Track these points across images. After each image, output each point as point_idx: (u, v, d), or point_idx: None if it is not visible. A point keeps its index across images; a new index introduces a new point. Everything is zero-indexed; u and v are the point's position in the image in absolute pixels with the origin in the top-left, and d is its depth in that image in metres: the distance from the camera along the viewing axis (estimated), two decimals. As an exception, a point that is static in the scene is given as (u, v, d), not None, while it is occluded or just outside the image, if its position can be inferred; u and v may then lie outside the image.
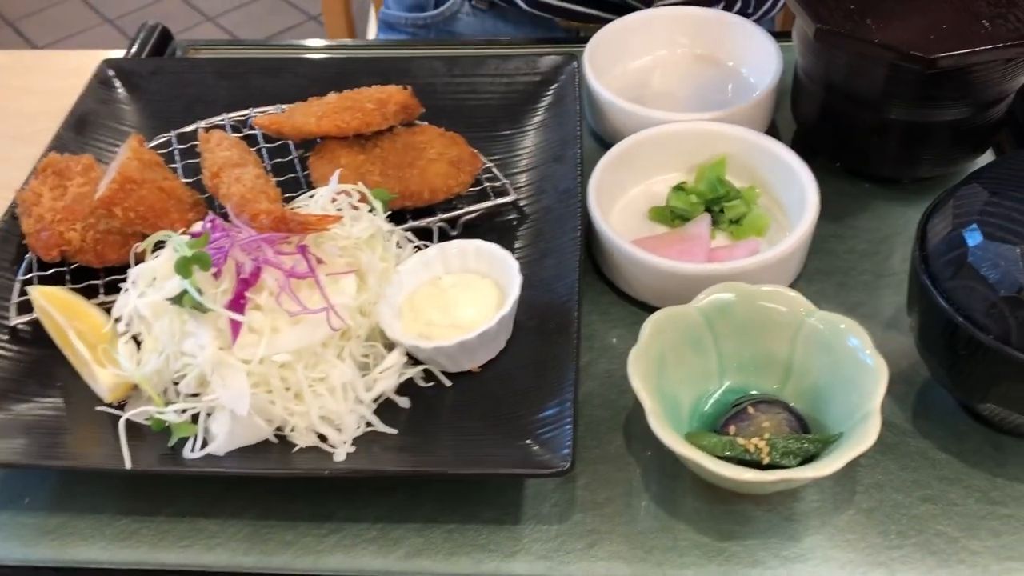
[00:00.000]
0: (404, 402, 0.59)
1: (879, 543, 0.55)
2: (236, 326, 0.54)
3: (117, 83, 0.80)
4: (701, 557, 0.55)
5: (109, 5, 2.84)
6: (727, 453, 0.54)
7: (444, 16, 1.06)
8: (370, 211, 0.63)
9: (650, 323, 0.58)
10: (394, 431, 0.57)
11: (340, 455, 0.55)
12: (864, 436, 0.52)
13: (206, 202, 0.68)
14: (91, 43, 2.69)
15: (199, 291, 0.54)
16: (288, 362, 0.55)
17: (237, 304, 0.55)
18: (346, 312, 0.56)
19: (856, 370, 0.55)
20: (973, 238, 0.52)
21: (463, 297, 0.62)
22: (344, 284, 0.58)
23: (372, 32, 1.40)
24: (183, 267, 0.54)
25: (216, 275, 0.56)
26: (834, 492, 0.58)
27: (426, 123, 0.74)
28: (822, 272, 0.70)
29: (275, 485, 0.59)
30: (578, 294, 0.63)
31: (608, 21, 0.85)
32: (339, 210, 0.61)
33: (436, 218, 0.69)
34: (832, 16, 0.68)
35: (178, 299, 0.54)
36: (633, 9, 0.88)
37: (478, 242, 0.64)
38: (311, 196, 0.63)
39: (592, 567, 0.55)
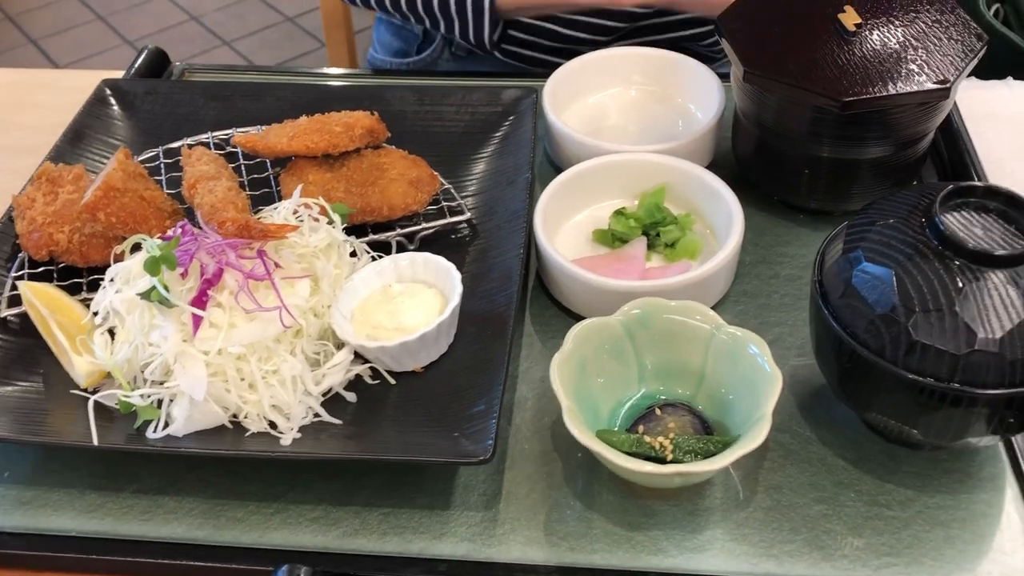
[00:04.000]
0: (351, 396, 0.65)
1: (772, 538, 0.61)
2: (197, 320, 0.60)
3: (113, 101, 0.87)
4: (610, 544, 0.61)
5: (130, 27, 2.94)
6: (634, 450, 0.60)
7: (426, 62, 1.13)
8: (329, 223, 0.69)
9: (573, 332, 0.64)
10: (339, 421, 0.63)
11: (287, 440, 0.61)
12: (755, 437, 0.57)
13: (184, 211, 0.75)
14: (110, 64, 2.78)
15: (166, 288, 0.61)
16: (243, 354, 0.61)
17: (200, 301, 0.61)
18: (298, 312, 0.63)
19: (756, 378, 0.61)
20: (857, 261, 0.58)
21: (409, 304, 0.68)
22: (299, 287, 0.64)
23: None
24: (152, 266, 0.60)
25: (183, 275, 0.62)
26: (737, 491, 0.63)
27: (392, 147, 0.81)
28: (747, 295, 0.76)
29: (229, 467, 0.65)
30: (515, 305, 0.69)
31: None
32: (300, 221, 0.67)
33: (394, 232, 0.76)
34: (760, 59, 0.74)
35: (147, 294, 0.61)
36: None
37: (426, 254, 0.70)
38: (275, 208, 0.69)
39: (509, 550, 0.61)
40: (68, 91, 1.02)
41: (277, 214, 0.68)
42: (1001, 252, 0.54)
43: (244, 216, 0.64)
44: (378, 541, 0.62)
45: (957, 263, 0.55)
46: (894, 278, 0.56)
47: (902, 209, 0.59)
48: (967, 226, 0.56)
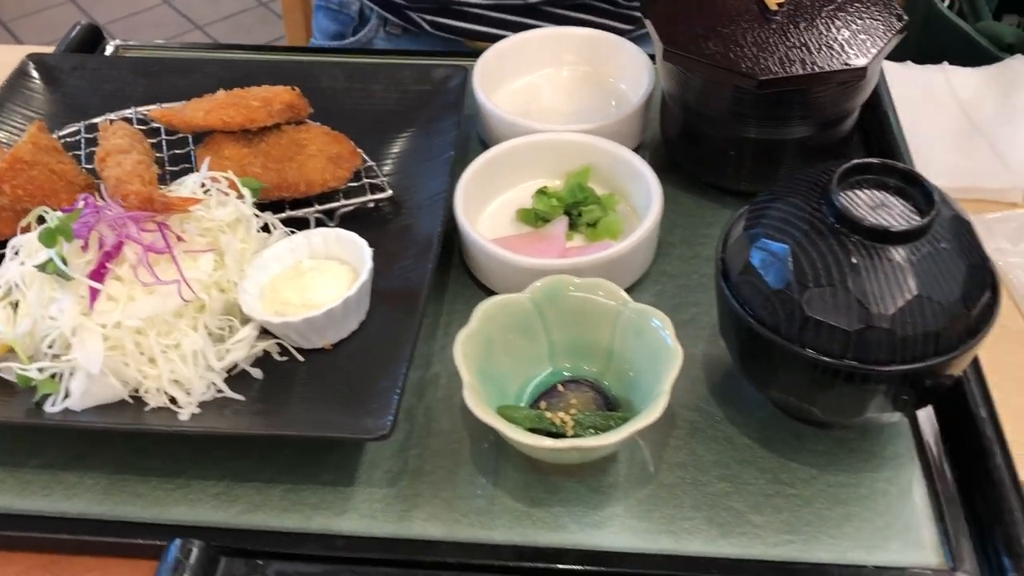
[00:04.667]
0: (257, 373, 0.65)
1: (672, 514, 0.60)
2: (95, 293, 0.60)
3: (36, 75, 0.86)
4: (510, 521, 0.60)
5: (103, 11, 2.92)
6: (535, 426, 0.60)
7: (362, 43, 1.13)
8: (239, 198, 0.68)
9: (480, 309, 0.64)
10: (242, 398, 0.63)
11: (185, 415, 0.61)
12: (652, 412, 0.57)
13: (98, 185, 0.74)
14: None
15: (64, 261, 0.60)
16: (142, 328, 0.60)
17: (98, 274, 0.60)
18: (200, 286, 0.62)
19: (659, 354, 0.61)
20: (756, 239, 0.58)
21: (320, 280, 0.67)
22: (202, 261, 0.63)
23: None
24: (47, 237, 0.60)
25: (84, 247, 0.62)
26: (640, 469, 0.63)
27: (315, 123, 0.80)
28: (667, 275, 0.76)
29: (131, 442, 0.64)
30: (428, 283, 0.68)
31: (508, 39, 0.91)
32: (207, 193, 0.66)
33: (312, 209, 0.75)
34: (681, 39, 0.74)
35: (43, 266, 0.60)
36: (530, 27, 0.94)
37: (340, 230, 0.70)
38: (180, 182, 0.69)
39: (411, 526, 0.60)
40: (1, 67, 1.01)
41: (184, 188, 0.67)
42: (895, 229, 0.54)
43: (148, 188, 0.64)
44: (278, 517, 0.61)
45: (852, 240, 0.54)
46: (790, 255, 0.55)
47: (803, 187, 0.59)
48: (864, 203, 0.56)
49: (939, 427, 0.64)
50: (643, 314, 0.63)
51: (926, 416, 0.65)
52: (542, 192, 0.78)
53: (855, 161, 0.57)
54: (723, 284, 0.59)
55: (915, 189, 0.56)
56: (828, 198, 0.56)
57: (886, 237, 0.54)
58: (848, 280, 0.54)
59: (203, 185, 0.67)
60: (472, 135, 0.89)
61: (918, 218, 0.55)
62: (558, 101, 0.90)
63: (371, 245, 0.70)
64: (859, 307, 0.53)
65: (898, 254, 0.54)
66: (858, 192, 0.57)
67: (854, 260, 0.54)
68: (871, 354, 0.54)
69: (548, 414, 0.61)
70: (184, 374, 0.61)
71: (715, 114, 0.77)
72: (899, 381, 0.55)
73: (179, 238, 0.63)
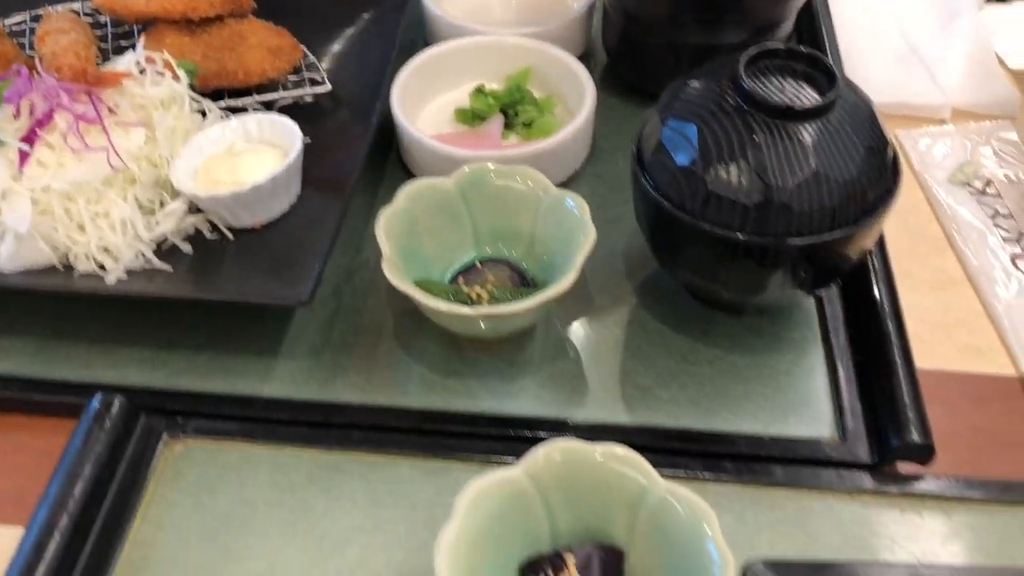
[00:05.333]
0: (187, 248, 0.66)
1: (582, 388, 0.63)
2: (24, 157, 0.61)
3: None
4: (426, 391, 0.63)
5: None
6: (451, 299, 0.62)
7: None
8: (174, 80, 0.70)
9: (405, 189, 0.65)
10: (170, 268, 0.65)
11: (111, 279, 0.62)
12: (561, 284, 0.59)
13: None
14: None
15: (-6, 126, 0.61)
16: (70, 194, 0.62)
17: (28, 139, 0.62)
18: (129, 157, 0.63)
19: (574, 233, 0.62)
20: (667, 120, 0.59)
21: (252, 161, 0.69)
22: (133, 135, 0.65)
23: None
24: (-22, 102, 0.61)
25: (15, 115, 0.63)
26: (555, 347, 0.65)
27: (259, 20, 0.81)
28: (599, 176, 0.78)
29: (62, 310, 0.66)
30: (360, 168, 0.70)
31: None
32: (142, 72, 0.68)
33: (251, 99, 0.76)
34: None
35: (-28, 131, 0.62)
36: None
37: (274, 115, 0.71)
38: (115, 60, 0.70)
39: (331, 393, 0.63)
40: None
41: (118, 66, 0.68)
42: (797, 107, 0.56)
43: (81, 62, 0.65)
44: (202, 381, 0.63)
45: (756, 118, 0.56)
46: (696, 133, 0.57)
47: (716, 73, 0.60)
48: (770, 85, 0.58)
49: (844, 315, 0.67)
50: (560, 198, 0.64)
51: (832, 304, 0.67)
52: (479, 91, 0.80)
53: (764, 45, 0.58)
54: (636, 166, 0.61)
55: (820, 73, 0.58)
56: (736, 80, 0.57)
57: (788, 115, 0.56)
58: (749, 156, 0.55)
59: (138, 64, 0.68)
60: (419, 42, 0.90)
61: (820, 98, 0.57)
62: (508, 15, 0.91)
63: (309, 137, 0.72)
64: (758, 182, 0.55)
65: (799, 132, 0.56)
66: (766, 76, 0.59)
67: (756, 138, 0.56)
68: (769, 228, 0.56)
69: (465, 288, 0.63)
70: (112, 241, 0.63)
71: (652, 20, 0.79)
72: (796, 255, 0.57)
73: (111, 110, 0.64)
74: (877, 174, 0.57)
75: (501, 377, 0.63)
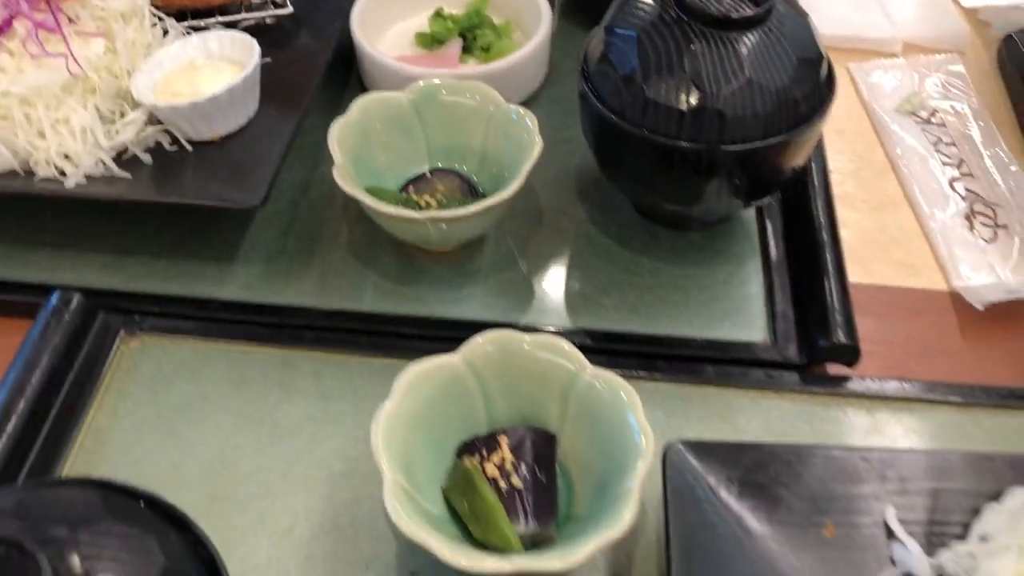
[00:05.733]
0: (147, 158, 0.68)
1: (528, 295, 0.65)
2: (-17, 62, 0.63)
3: None
4: (379, 297, 0.65)
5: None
6: (400, 205, 0.64)
7: None
8: (136, -6, 0.71)
9: (358, 101, 0.67)
10: (129, 176, 0.66)
11: (70, 183, 0.64)
12: (505, 193, 0.61)
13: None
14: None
15: (-45, 31, 0.63)
16: (29, 98, 0.63)
17: (-12, 45, 0.63)
18: (89, 66, 0.65)
19: (523, 146, 0.64)
20: (611, 31, 0.61)
21: (211, 75, 0.70)
22: (93, 44, 0.66)
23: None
24: (-63, 6, 0.62)
25: (-24, 23, 0.64)
26: (504, 258, 0.68)
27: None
28: (555, 99, 0.80)
29: (24, 215, 0.68)
30: (316, 83, 0.72)
31: None
32: (104, -13, 0.69)
33: (213, 19, 0.78)
34: None
35: (-66, 35, 0.63)
36: None
37: (234, 32, 0.73)
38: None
39: (285, 297, 0.65)
40: None
41: (80, -21, 0.70)
42: (733, 16, 0.58)
43: (41, -28, 0.66)
44: (160, 284, 0.65)
45: (694, 28, 0.58)
46: (636, 43, 0.59)
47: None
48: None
49: (783, 230, 0.69)
50: (508, 111, 0.66)
51: (772, 220, 0.70)
52: (438, 15, 0.81)
53: (705, -41, 0.60)
54: (581, 78, 0.63)
55: (758, -12, 0.60)
56: (677, -9, 0.59)
57: (724, 25, 0.57)
58: (686, 64, 0.57)
59: (101, -22, 0.70)
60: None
61: (755, 8, 0.59)
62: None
63: (270, 58, 0.73)
64: (694, 89, 0.57)
65: (734, 42, 0.58)
66: (707, -10, 0.61)
67: (693, 47, 0.58)
68: (704, 134, 0.58)
69: (415, 197, 0.65)
70: (73, 148, 0.64)
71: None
72: (731, 163, 0.59)
73: (71, 20, 0.65)
74: (810, 85, 0.59)
75: (451, 286, 0.66)
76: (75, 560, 0.36)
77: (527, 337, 0.53)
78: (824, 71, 0.61)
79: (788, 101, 0.58)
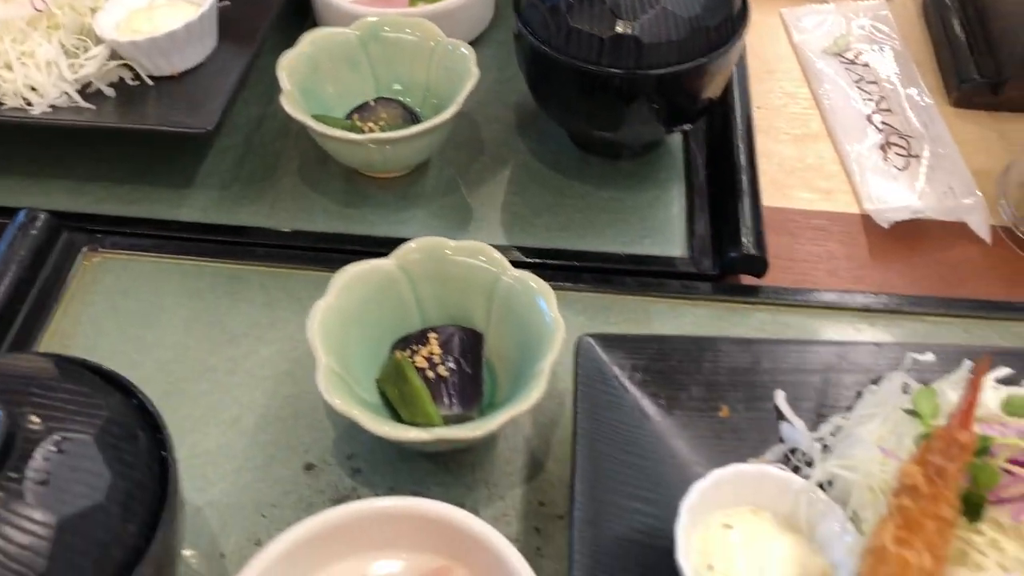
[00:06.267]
0: (110, 92, 0.72)
1: (465, 216, 0.70)
2: (-48, -4, 0.67)
3: None
4: (328, 217, 0.70)
5: None
6: (344, 128, 0.68)
7: None
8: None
9: (308, 36, 0.71)
10: (93, 107, 0.71)
11: (36, 111, 0.68)
12: (443, 116, 0.66)
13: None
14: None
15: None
16: (-4, 32, 0.68)
17: (-44, -19, 0.67)
18: (52, 0, 0.69)
19: (461, 76, 0.69)
20: (540, -33, 0.66)
21: (170, 14, 0.74)
22: (57, -16, 0.71)
23: None
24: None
25: (-57, -40, 0.69)
26: (445, 184, 0.72)
27: None
28: (499, 42, 0.84)
29: (-6, 144, 0.73)
30: (269, 22, 0.76)
31: None
32: (65, -72, 0.73)
33: (175, -36, 0.82)
34: None
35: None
36: None
37: (192, -26, 0.77)
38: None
39: (238, 219, 0.70)
40: None
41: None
42: (650, -49, 0.62)
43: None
44: (123, 207, 0.70)
45: (613, -38, 0.63)
46: (562, -26, 0.64)
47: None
48: (630, -67, 0.64)
49: (706, 158, 0.74)
50: (446, 45, 0.71)
51: (697, 148, 0.74)
52: (390, -39, 0.86)
53: None
54: (516, 17, 0.67)
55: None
56: (601, -73, 0.64)
57: (642, -43, 0.62)
58: (605, -6, 0.62)
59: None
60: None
61: (670, -57, 0.63)
62: None
63: (228, 1, 0.77)
64: (611, 16, 0.62)
65: (651, -28, 0.62)
66: (627, -74, 0.65)
67: (612, -22, 0.62)
68: (622, 60, 0.63)
69: (359, 123, 0.70)
70: (39, 80, 0.69)
71: None
72: (649, 88, 0.64)
73: (34, -40, 0.70)
74: (722, 15, 0.64)
75: (395, 208, 0.70)
76: (27, 410, 0.41)
77: (452, 243, 0.58)
78: (738, 4, 0.65)
79: (701, 29, 0.63)
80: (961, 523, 0.42)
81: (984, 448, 0.43)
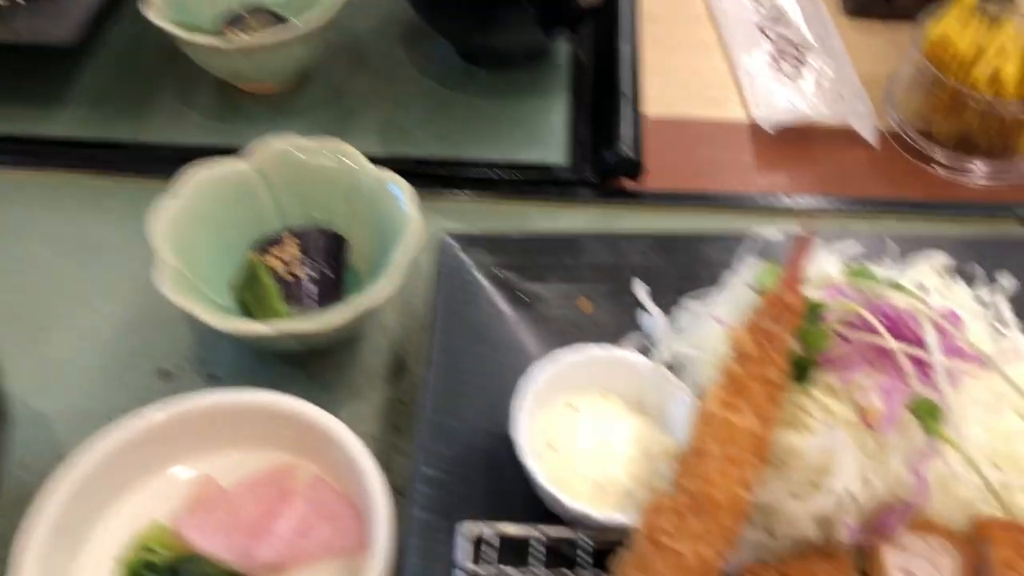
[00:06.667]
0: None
1: (348, 128, 0.68)
2: None
3: None
4: (202, 131, 0.68)
5: None
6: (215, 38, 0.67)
7: None
8: None
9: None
10: None
11: None
12: (309, 19, 0.64)
13: None
14: None
15: None
16: None
17: None
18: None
19: None
20: None
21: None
22: None
23: None
24: None
25: None
26: (326, 95, 0.71)
27: None
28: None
29: None
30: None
31: None
32: None
33: None
34: None
35: None
36: None
37: None
38: None
39: (107, 133, 0.68)
40: None
41: None
42: None
43: None
44: (-10, 123, 0.68)
45: None
46: None
47: None
48: None
49: (592, 68, 0.73)
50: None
51: (584, 59, 0.73)
52: None
53: None
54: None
55: None
56: None
57: None
58: None
59: None
60: None
61: None
62: None
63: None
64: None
65: None
66: None
67: None
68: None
69: (229, 34, 0.68)
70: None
71: None
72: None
73: None
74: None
75: (271, 122, 0.69)
76: None
77: (307, 141, 0.56)
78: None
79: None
80: (793, 386, 0.42)
81: (815, 312, 0.42)
